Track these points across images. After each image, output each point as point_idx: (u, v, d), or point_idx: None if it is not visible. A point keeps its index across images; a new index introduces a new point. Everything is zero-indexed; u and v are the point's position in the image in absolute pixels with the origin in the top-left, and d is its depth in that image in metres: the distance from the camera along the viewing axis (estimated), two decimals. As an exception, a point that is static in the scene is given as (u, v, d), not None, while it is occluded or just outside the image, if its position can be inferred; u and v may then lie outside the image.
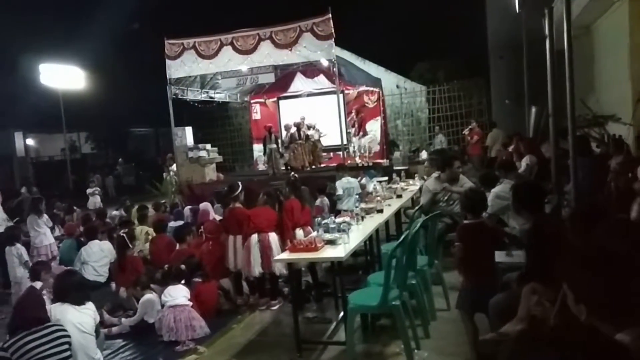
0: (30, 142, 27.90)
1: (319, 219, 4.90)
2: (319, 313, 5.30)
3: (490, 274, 3.68)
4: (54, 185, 20.86)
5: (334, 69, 10.99)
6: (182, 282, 5.28)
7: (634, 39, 7.56)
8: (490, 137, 13.26)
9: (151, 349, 4.85)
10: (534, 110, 10.93)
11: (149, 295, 5.27)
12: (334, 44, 10.45)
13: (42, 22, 24.59)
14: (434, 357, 4.03)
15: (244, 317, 5.42)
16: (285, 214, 5.75)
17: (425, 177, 8.16)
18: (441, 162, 6.71)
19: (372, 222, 5.26)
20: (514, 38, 13.11)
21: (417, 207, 6.54)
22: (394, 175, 8.68)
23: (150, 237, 7.28)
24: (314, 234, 4.81)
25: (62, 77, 19.82)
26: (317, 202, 7.44)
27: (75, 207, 11.85)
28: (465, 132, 14.55)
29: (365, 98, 14.17)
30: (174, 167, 13.11)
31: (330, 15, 10.29)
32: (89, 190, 14.64)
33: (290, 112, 14.31)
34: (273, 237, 5.60)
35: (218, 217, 7.36)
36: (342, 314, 4.58)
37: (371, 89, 14.06)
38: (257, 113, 15.63)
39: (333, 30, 10.29)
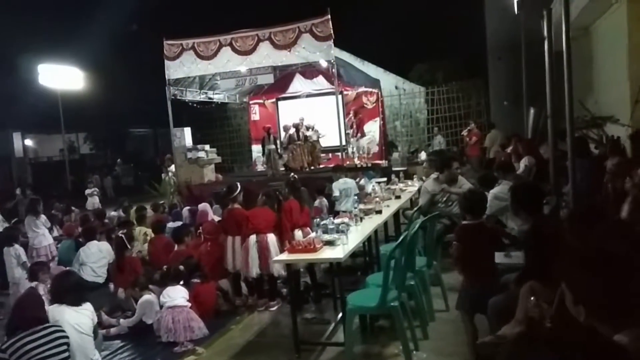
0: (28, 142, 27.88)
1: (318, 219, 4.90)
2: (317, 314, 5.30)
3: (490, 274, 3.68)
4: (53, 185, 20.84)
5: (333, 70, 11.00)
6: (181, 282, 5.27)
7: (633, 40, 7.56)
8: (489, 138, 13.27)
9: (149, 350, 4.85)
10: (532, 111, 10.95)
11: (148, 296, 5.27)
12: (332, 44, 10.46)
13: (40, 22, 24.58)
14: (433, 358, 4.03)
15: (242, 318, 5.42)
16: (284, 215, 5.75)
17: (424, 178, 8.16)
18: (440, 163, 6.72)
19: (371, 223, 5.26)
20: (512, 39, 13.16)
21: (415, 208, 6.54)
22: (393, 176, 8.69)
23: (149, 238, 7.27)
24: (313, 234, 4.81)
25: (61, 77, 19.80)
26: (316, 203, 7.44)
27: (73, 208, 11.84)
28: (464, 133, 14.56)
29: (364, 99, 14.19)
30: (172, 167, 13.10)
31: (329, 16, 10.30)
32: (87, 191, 14.64)
33: (289, 113, 14.32)
34: (271, 238, 5.60)
35: (217, 218, 7.35)
36: (340, 314, 4.57)
37: (370, 90, 14.08)
38: (255, 114, 15.64)
39: (332, 31, 10.31)
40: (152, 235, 7.22)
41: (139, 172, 24.77)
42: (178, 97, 12.58)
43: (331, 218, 4.98)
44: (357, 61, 15.47)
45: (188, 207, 9.22)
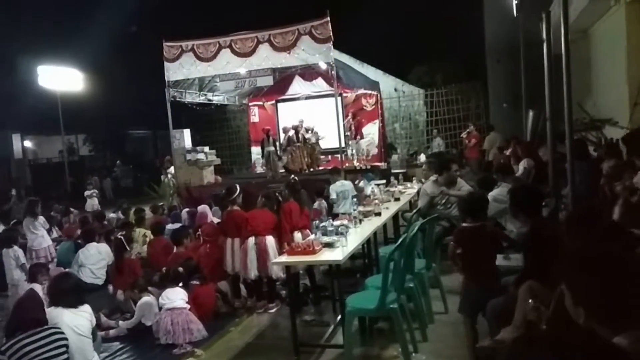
0: (28, 144, 27.87)
1: (317, 221, 4.90)
2: (316, 316, 5.30)
3: (490, 276, 3.69)
4: (52, 187, 20.82)
5: (332, 72, 11.02)
6: (180, 284, 5.27)
7: (631, 43, 7.58)
8: (488, 140, 13.27)
9: (148, 352, 4.84)
10: (531, 113, 10.96)
11: (147, 298, 5.27)
12: (332, 47, 10.48)
13: (40, 24, 24.58)
14: (432, 360, 4.03)
15: (241, 320, 5.41)
16: (283, 217, 5.75)
17: (423, 180, 8.17)
18: (439, 166, 6.72)
19: (370, 225, 5.26)
20: (511, 42, 13.19)
21: (414, 210, 6.55)
22: (392, 179, 8.69)
23: (148, 240, 7.27)
24: (312, 236, 4.81)
25: (60, 79, 19.82)
26: (315, 205, 7.45)
27: (72, 209, 11.84)
28: (463, 135, 14.57)
29: (364, 101, 14.20)
30: (171, 169, 13.10)
31: (328, 19, 10.31)
32: (86, 193, 14.64)
33: (288, 115, 14.33)
34: (270, 240, 5.59)
35: (216, 220, 7.35)
36: (339, 317, 4.57)
37: (369, 92, 14.09)
38: (255, 116, 15.65)
39: (331, 34, 10.32)
40: (152, 237, 7.22)
41: (138, 174, 24.76)
42: (177, 99, 12.59)
43: (330, 220, 4.98)
44: (357, 63, 15.50)
45: (187, 209, 9.22)
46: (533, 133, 10.72)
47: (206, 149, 12.93)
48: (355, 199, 6.43)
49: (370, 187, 7.76)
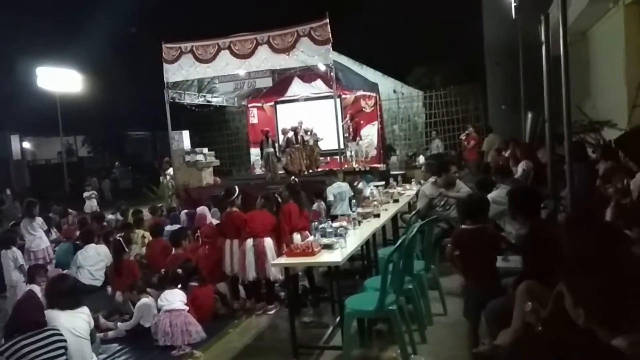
0: (26, 145, 27.82)
1: (316, 223, 4.90)
2: (315, 318, 5.29)
3: (490, 278, 3.68)
4: (51, 188, 20.78)
5: (332, 74, 11.03)
6: (179, 286, 5.26)
7: (630, 45, 7.59)
8: (487, 142, 13.29)
9: (147, 354, 4.83)
10: (530, 115, 10.98)
11: (145, 300, 5.26)
12: (331, 48, 10.48)
13: (39, 25, 24.59)
14: (431, 362, 4.03)
15: (240, 322, 5.41)
16: (283, 218, 5.75)
17: (422, 181, 8.18)
18: (438, 167, 6.73)
19: (369, 227, 5.26)
20: (510, 44, 13.22)
21: (413, 212, 6.55)
22: (391, 180, 8.70)
23: (147, 241, 7.27)
24: (311, 238, 4.81)
25: (59, 80, 19.82)
26: (314, 206, 7.44)
27: (70, 210, 11.83)
28: (462, 137, 14.58)
29: (363, 103, 14.21)
30: (170, 170, 13.09)
31: (327, 20, 10.32)
32: (85, 194, 14.62)
33: (287, 117, 14.33)
34: (268, 242, 5.58)
35: (215, 221, 7.35)
36: (338, 318, 4.56)
37: (368, 93, 14.10)
38: (254, 117, 15.65)
39: (330, 35, 10.33)
40: (150, 238, 7.22)
41: (137, 175, 24.74)
42: (176, 100, 12.59)
43: (329, 221, 4.98)
44: (356, 65, 15.50)
45: (186, 211, 9.21)
46: (532, 135, 10.73)
47: (205, 150, 12.92)
48: (354, 201, 6.43)
49: (369, 189, 7.77)
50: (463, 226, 3.90)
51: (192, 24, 21.75)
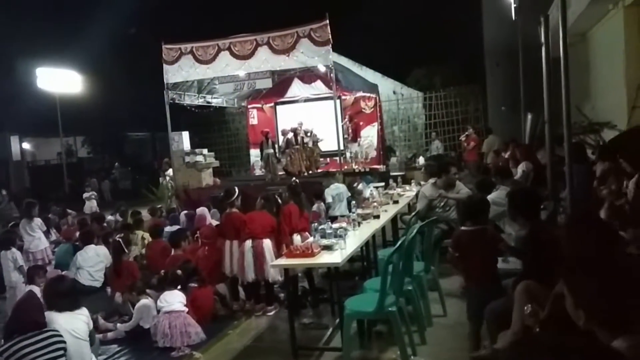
0: (26, 145, 27.79)
1: (316, 224, 4.90)
2: (315, 319, 5.29)
3: (491, 280, 3.68)
4: (50, 189, 20.77)
5: (331, 75, 11.03)
6: (178, 287, 5.26)
7: (629, 46, 7.60)
8: (486, 143, 13.30)
9: (147, 355, 4.83)
10: (529, 117, 10.98)
11: (145, 301, 5.25)
12: (331, 49, 10.49)
13: (39, 25, 24.59)
14: (430, 363, 4.03)
15: (240, 323, 5.40)
16: (283, 219, 5.75)
17: (421, 182, 8.18)
18: (437, 168, 6.73)
19: (369, 228, 5.27)
20: (510, 45, 13.22)
21: (413, 213, 6.55)
22: (391, 181, 8.70)
23: (146, 242, 7.26)
24: (311, 239, 4.81)
25: (59, 81, 19.80)
26: (314, 207, 7.44)
27: (69, 211, 11.81)
28: (462, 138, 14.59)
29: (362, 104, 14.22)
30: (170, 171, 13.09)
31: (327, 22, 10.33)
32: (85, 195, 14.61)
33: (287, 118, 14.33)
34: (267, 243, 5.58)
35: (215, 222, 7.34)
36: (338, 319, 4.56)
37: (368, 94, 14.10)
38: (254, 118, 15.64)
39: (330, 36, 10.34)
40: (150, 239, 7.21)
41: (137, 176, 24.72)
42: (176, 101, 12.59)
43: (329, 223, 4.98)
44: (355, 66, 15.51)
45: (185, 212, 9.20)
46: (531, 136, 10.74)
47: (205, 151, 12.91)
48: (353, 202, 6.43)
49: (369, 190, 7.77)
50: (463, 228, 3.90)
51: (192, 25, 21.78)
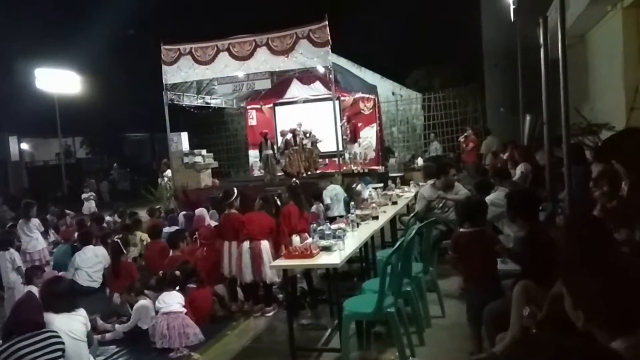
0: (25, 146, 27.76)
1: (314, 225, 4.90)
2: (313, 320, 5.28)
3: (491, 281, 3.68)
4: (49, 189, 20.74)
5: (330, 76, 11.04)
6: (177, 288, 5.25)
7: (628, 48, 7.60)
8: (485, 144, 13.31)
9: (145, 356, 4.82)
10: (528, 118, 10.99)
11: (143, 301, 5.25)
12: (330, 50, 10.50)
13: (38, 26, 24.56)
14: (429, 364, 4.03)
15: (238, 324, 5.40)
16: (282, 220, 5.75)
17: (420, 184, 8.18)
18: (436, 170, 6.73)
19: (368, 229, 5.26)
20: (509, 46, 13.23)
21: (412, 214, 6.55)
22: (390, 182, 8.70)
23: (145, 243, 7.26)
24: (310, 240, 4.81)
25: (58, 81, 19.76)
26: (313, 208, 7.44)
27: (67, 212, 11.80)
28: (461, 139, 14.60)
29: (361, 105, 14.23)
30: (169, 172, 13.08)
31: (326, 22, 10.34)
32: (83, 195, 14.59)
33: (286, 118, 14.34)
34: (264, 245, 5.57)
35: (214, 223, 7.34)
36: (337, 320, 4.56)
37: (367, 95, 14.12)
38: (253, 119, 15.64)
39: (329, 37, 10.35)
40: (148, 240, 7.20)
41: (136, 177, 24.70)
42: (175, 102, 12.59)
43: (328, 224, 4.98)
44: (354, 67, 15.52)
45: (184, 212, 9.20)
46: (530, 137, 10.74)
47: (204, 152, 12.91)
48: (352, 203, 6.44)
49: (368, 191, 7.77)
50: (461, 229, 3.90)
51: (191, 26, 21.75)
